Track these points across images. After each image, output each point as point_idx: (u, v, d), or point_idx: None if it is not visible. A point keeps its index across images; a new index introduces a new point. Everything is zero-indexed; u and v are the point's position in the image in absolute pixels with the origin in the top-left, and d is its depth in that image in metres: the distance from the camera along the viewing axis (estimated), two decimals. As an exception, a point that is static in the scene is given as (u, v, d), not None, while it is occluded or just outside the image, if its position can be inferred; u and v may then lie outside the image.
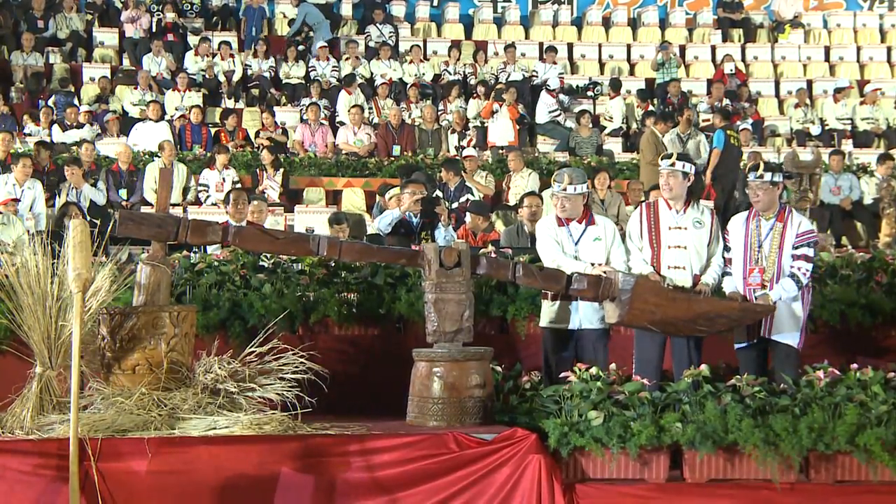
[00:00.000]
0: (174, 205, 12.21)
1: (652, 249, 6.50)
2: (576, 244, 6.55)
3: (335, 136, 15.39)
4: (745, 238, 6.45)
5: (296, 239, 6.30)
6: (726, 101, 17.12)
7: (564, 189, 6.54)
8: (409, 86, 16.97)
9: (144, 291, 5.69)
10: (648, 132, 13.78)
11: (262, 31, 18.40)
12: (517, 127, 15.52)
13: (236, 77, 16.92)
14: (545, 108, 16.57)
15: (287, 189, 13.58)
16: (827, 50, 19.77)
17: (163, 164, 12.94)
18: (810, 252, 6.38)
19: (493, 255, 7.37)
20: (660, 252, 6.49)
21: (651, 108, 16.64)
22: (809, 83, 18.49)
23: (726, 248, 6.53)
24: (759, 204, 6.46)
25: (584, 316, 6.49)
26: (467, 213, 10.32)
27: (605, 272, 6.24)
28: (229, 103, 16.55)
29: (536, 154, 15.11)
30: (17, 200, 10.99)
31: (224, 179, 12.98)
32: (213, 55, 17.11)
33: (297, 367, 5.59)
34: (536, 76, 17.45)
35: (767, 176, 6.43)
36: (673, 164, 6.55)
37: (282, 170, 13.50)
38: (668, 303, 6.17)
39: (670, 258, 6.47)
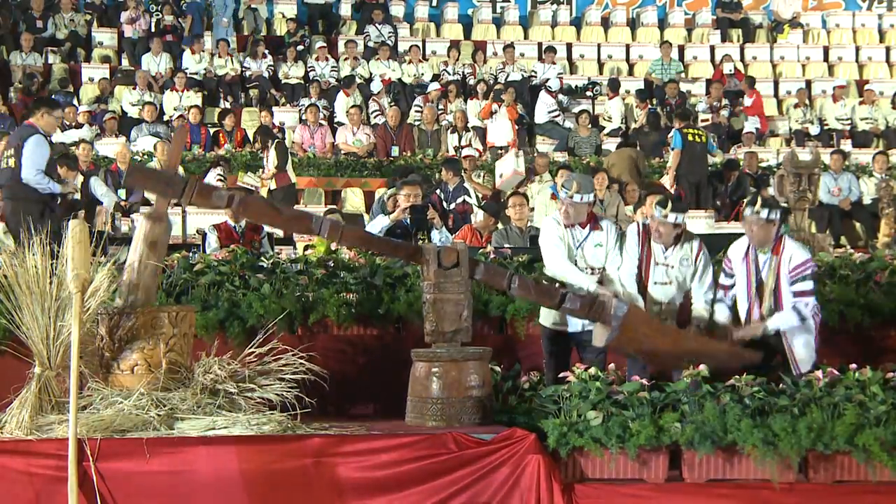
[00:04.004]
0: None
1: (637, 283, 6.47)
2: (577, 247, 6.55)
3: (334, 137, 15.38)
4: (747, 273, 6.34)
5: (299, 216, 6.19)
6: (725, 101, 17.14)
7: (571, 196, 6.49)
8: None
9: (141, 246, 5.62)
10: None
11: (255, 28, 18.37)
12: (516, 127, 15.53)
13: (232, 74, 16.89)
14: (544, 109, 16.59)
15: (283, 160, 13.40)
16: (826, 50, 19.79)
17: (159, 165, 12.90)
18: (808, 286, 6.23)
19: (492, 255, 7.39)
20: (646, 286, 6.46)
21: (650, 108, 16.65)
22: (808, 83, 18.51)
23: (728, 275, 6.44)
24: (752, 239, 6.32)
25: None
26: (479, 212, 10.35)
27: (601, 295, 6.17)
28: (228, 104, 16.55)
29: (535, 154, 15.12)
30: None
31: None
32: (212, 54, 17.10)
33: (296, 367, 5.57)
34: (535, 76, 17.45)
35: (764, 213, 6.21)
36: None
37: (276, 141, 13.39)
38: (657, 335, 6.10)
39: (656, 293, 6.47)
